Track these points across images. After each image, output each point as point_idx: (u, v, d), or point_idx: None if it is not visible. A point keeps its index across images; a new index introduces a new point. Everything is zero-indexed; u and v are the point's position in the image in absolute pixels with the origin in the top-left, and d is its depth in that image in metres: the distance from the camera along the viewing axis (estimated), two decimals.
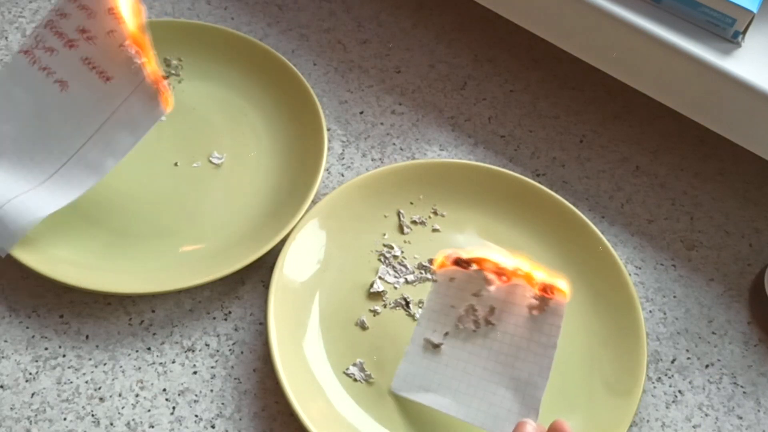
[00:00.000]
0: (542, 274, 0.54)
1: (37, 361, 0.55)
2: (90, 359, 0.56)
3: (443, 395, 0.53)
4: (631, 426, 0.54)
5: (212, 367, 0.56)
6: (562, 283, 0.53)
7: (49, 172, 0.57)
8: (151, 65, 0.56)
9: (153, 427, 0.53)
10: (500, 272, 0.55)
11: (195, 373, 0.56)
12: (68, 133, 0.57)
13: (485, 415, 0.52)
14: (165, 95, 0.56)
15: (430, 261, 0.61)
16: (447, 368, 0.54)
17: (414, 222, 0.63)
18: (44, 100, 0.58)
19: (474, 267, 0.55)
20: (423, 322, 0.55)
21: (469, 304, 0.55)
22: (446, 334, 0.55)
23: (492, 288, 0.55)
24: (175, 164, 0.64)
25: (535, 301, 0.54)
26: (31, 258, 0.56)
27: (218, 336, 0.58)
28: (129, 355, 0.56)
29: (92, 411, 0.54)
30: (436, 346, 0.54)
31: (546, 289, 0.53)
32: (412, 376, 0.54)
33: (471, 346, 0.54)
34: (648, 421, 0.56)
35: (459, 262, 0.55)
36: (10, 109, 0.58)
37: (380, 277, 0.60)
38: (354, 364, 0.56)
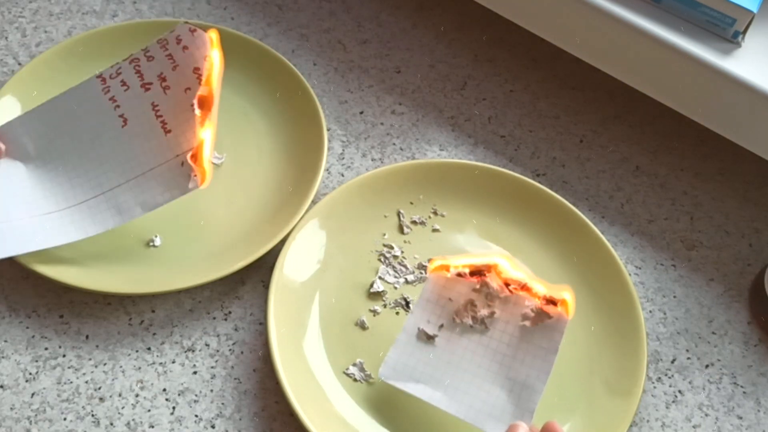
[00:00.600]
0: (545, 289, 0.53)
1: (37, 361, 0.55)
2: (90, 359, 0.56)
3: (434, 388, 0.52)
4: (631, 426, 0.54)
5: (212, 367, 0.56)
6: (567, 295, 0.53)
7: (79, 198, 0.57)
8: (205, 136, 0.56)
9: (153, 427, 0.53)
10: (505, 283, 0.54)
11: (195, 373, 0.56)
12: (111, 167, 0.57)
13: (477, 412, 0.51)
14: (203, 170, 0.56)
15: (431, 261, 0.61)
16: (440, 361, 0.53)
17: (414, 222, 0.63)
18: (103, 128, 0.58)
19: (475, 283, 0.55)
20: (417, 312, 0.55)
21: (469, 299, 0.55)
22: (441, 326, 0.54)
23: (494, 290, 0.55)
24: None
25: (536, 312, 0.53)
26: (31, 258, 0.56)
27: (218, 336, 0.58)
28: (129, 355, 0.56)
29: (92, 411, 0.54)
30: (430, 338, 0.54)
31: (550, 300, 0.53)
32: (402, 365, 0.53)
33: (467, 341, 0.54)
34: (648, 421, 0.56)
35: (461, 276, 0.55)
36: (69, 126, 0.58)
37: (380, 277, 0.60)
38: (354, 364, 0.56)
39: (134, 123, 0.57)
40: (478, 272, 0.55)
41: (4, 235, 0.55)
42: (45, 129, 0.58)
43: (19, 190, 0.57)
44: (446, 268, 0.55)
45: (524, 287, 0.54)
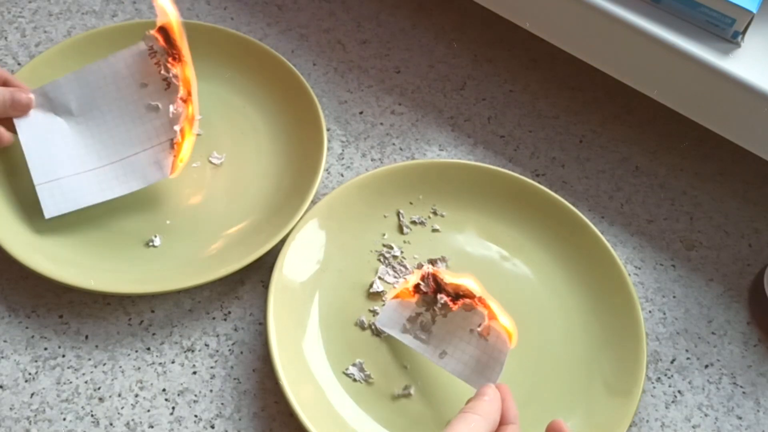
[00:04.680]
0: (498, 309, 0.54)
1: (36, 361, 0.55)
2: (89, 359, 0.56)
3: (419, 341, 0.55)
4: (630, 426, 0.54)
5: (212, 368, 0.56)
6: (508, 323, 0.53)
7: (122, 154, 0.60)
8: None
9: (152, 427, 0.53)
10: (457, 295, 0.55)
11: (194, 373, 0.56)
12: (154, 126, 0.60)
13: (449, 358, 0.53)
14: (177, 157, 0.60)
15: (430, 261, 0.61)
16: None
17: (413, 222, 0.63)
18: (148, 90, 0.60)
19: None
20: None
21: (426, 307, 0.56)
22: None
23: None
24: None
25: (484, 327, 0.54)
26: (31, 258, 0.56)
27: (218, 336, 0.58)
28: (128, 355, 0.56)
29: (92, 411, 0.54)
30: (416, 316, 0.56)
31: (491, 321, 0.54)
32: (398, 315, 0.56)
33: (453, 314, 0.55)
34: (648, 421, 0.56)
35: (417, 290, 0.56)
36: (114, 86, 0.61)
37: (380, 277, 0.60)
38: (353, 364, 0.56)
39: (175, 85, 0.60)
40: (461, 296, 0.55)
41: (53, 193, 0.57)
42: (89, 89, 0.61)
43: (62, 146, 0.59)
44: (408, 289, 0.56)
45: (479, 300, 0.54)
